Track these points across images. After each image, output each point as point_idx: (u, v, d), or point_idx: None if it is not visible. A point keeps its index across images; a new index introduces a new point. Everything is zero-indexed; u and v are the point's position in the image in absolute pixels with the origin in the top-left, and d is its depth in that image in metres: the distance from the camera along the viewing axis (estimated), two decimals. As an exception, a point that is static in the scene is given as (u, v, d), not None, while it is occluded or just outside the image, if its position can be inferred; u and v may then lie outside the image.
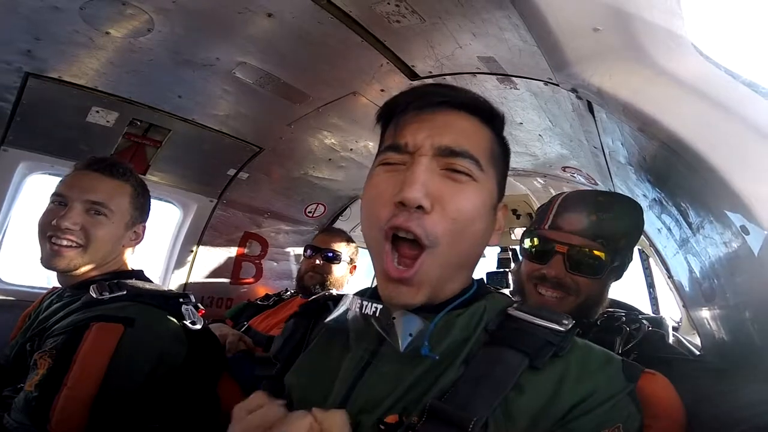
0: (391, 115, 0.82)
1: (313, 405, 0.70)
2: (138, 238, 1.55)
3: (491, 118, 0.82)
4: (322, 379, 0.78)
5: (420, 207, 0.70)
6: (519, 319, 0.76)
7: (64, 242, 1.36)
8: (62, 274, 1.44)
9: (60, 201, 1.40)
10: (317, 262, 2.52)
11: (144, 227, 1.57)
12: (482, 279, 0.87)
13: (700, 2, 0.80)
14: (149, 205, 1.62)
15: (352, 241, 2.71)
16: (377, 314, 0.75)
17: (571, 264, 1.23)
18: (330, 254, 2.53)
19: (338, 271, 2.55)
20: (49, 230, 1.36)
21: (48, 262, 1.37)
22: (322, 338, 0.90)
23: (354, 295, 0.82)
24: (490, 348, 0.72)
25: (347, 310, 0.79)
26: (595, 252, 1.22)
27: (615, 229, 1.25)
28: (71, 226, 1.36)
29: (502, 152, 0.84)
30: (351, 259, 2.63)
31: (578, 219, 1.26)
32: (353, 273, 2.66)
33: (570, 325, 0.74)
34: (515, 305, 0.81)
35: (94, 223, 1.40)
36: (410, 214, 0.71)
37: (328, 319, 0.83)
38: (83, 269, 1.42)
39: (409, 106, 0.78)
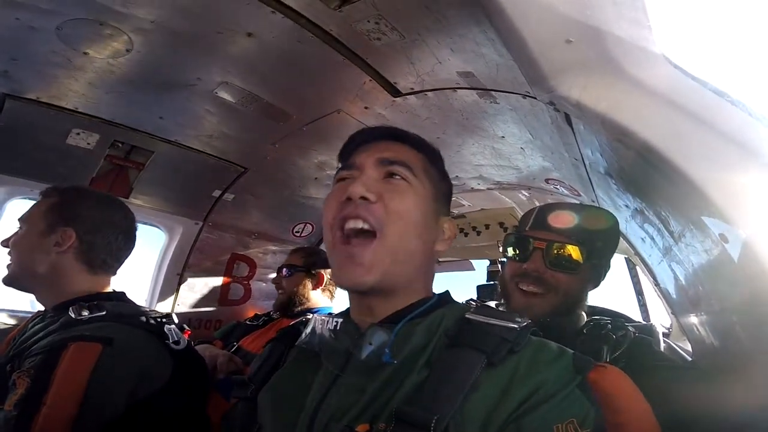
0: (342, 155, 0.98)
1: (285, 420, 0.81)
2: (66, 242, 1.45)
3: (422, 147, 0.97)
4: (295, 396, 0.84)
5: (364, 198, 0.82)
6: (476, 321, 0.81)
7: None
8: (35, 296, 1.49)
9: None
10: (276, 280, 2.63)
11: (72, 231, 1.46)
12: (446, 292, 0.95)
13: (668, 12, 0.82)
14: (87, 209, 1.52)
15: (316, 255, 2.66)
16: (338, 327, 0.87)
17: (549, 260, 1.31)
18: (287, 270, 2.58)
19: (294, 282, 2.53)
20: None
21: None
22: (295, 360, 0.97)
23: (317, 315, 0.95)
24: (451, 350, 0.77)
25: (314, 330, 0.90)
26: (572, 247, 1.31)
27: (590, 229, 1.34)
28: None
29: (438, 174, 0.97)
30: (307, 269, 2.57)
31: (556, 220, 1.36)
32: (321, 284, 2.59)
33: (524, 323, 0.79)
34: (472, 310, 0.86)
35: (15, 238, 1.48)
36: (356, 205, 0.82)
37: (298, 341, 0.94)
38: (28, 284, 1.49)
39: (358, 139, 0.96)
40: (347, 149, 0.97)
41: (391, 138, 0.95)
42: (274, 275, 3.23)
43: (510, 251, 1.41)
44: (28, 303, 2.24)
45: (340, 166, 0.97)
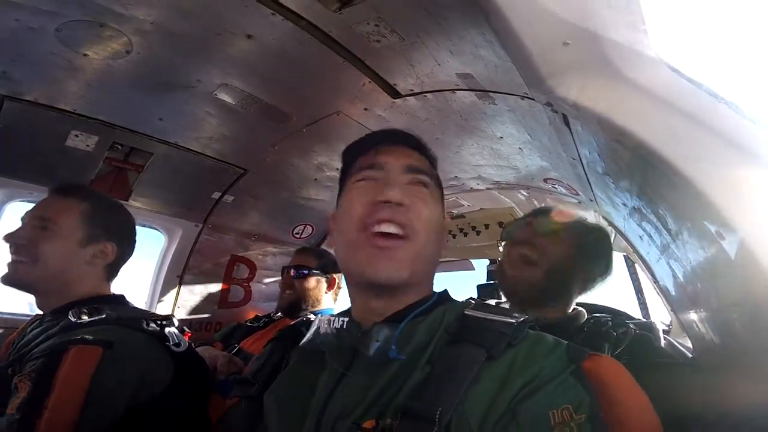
0: (357, 151, 1.00)
1: (291, 421, 0.81)
2: (106, 257, 1.49)
3: (430, 155, 1.03)
4: (301, 396, 0.86)
5: (400, 204, 0.85)
6: (475, 317, 0.83)
7: (15, 257, 1.39)
8: (38, 299, 1.45)
9: (22, 223, 1.46)
10: (287, 281, 2.57)
11: (113, 247, 1.51)
12: (445, 291, 0.97)
13: (664, 15, 0.83)
14: (123, 225, 1.59)
15: (326, 257, 2.68)
16: (344, 326, 0.88)
17: (537, 229, 1.50)
18: (301, 271, 2.55)
19: (308, 284, 2.52)
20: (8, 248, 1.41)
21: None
22: (299, 360, 0.99)
23: (321, 316, 0.96)
24: (452, 346, 0.79)
25: (318, 330, 0.92)
26: (556, 218, 1.51)
27: (578, 221, 1.53)
28: (16, 240, 1.40)
29: (438, 180, 1.01)
30: (323, 272, 2.60)
31: (544, 211, 1.60)
32: (333, 287, 2.62)
33: (521, 318, 0.80)
34: (471, 307, 0.88)
35: (40, 237, 1.41)
36: (393, 209, 0.85)
37: (302, 342, 0.94)
38: (42, 287, 1.43)
39: (381, 141, 0.99)
40: (366, 145, 0.99)
41: (410, 145, 1.00)
42: (273, 278, 3.24)
43: (506, 235, 1.59)
44: (27, 306, 2.24)
45: (357, 163, 0.98)
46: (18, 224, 1.46)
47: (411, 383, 0.75)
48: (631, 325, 1.35)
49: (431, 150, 1.04)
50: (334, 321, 0.90)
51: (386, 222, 0.84)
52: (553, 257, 1.43)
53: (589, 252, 1.49)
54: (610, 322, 1.36)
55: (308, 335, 0.94)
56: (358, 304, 0.93)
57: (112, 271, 1.55)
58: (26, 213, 1.47)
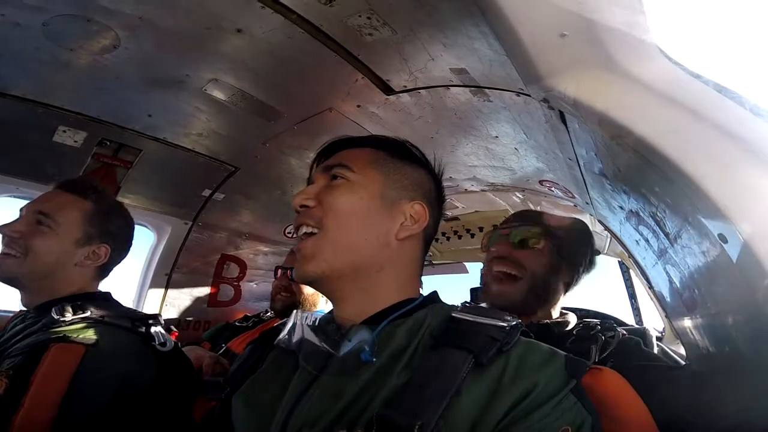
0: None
1: (256, 425, 0.78)
2: (98, 258, 1.47)
3: (374, 143, 1.00)
4: (270, 398, 0.81)
5: (305, 206, 0.90)
6: (463, 320, 0.79)
7: (5, 250, 1.36)
8: (24, 295, 1.42)
9: (19, 214, 1.42)
10: (284, 282, 2.51)
11: (107, 249, 1.48)
12: (434, 293, 0.94)
13: (664, 4, 0.79)
14: (121, 227, 1.56)
15: None
16: (317, 323, 0.89)
17: (514, 243, 1.49)
18: None
19: (307, 288, 2.47)
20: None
21: None
22: (273, 361, 0.94)
23: (299, 312, 0.93)
24: (436, 351, 0.74)
25: (293, 328, 0.89)
26: (532, 229, 1.50)
27: (553, 223, 1.52)
28: (9, 233, 1.35)
29: (400, 163, 0.97)
30: None
31: (521, 214, 1.64)
32: None
33: (513, 322, 0.77)
34: (459, 309, 0.84)
35: (35, 233, 1.37)
36: (302, 213, 0.91)
37: (278, 339, 0.90)
38: (29, 283, 1.39)
39: (318, 157, 1.04)
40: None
41: (342, 148, 1.01)
42: (264, 277, 3.20)
43: (487, 246, 1.58)
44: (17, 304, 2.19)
45: None
46: (5, 218, 1.43)
47: (387, 390, 0.70)
48: (621, 330, 1.35)
49: (380, 137, 1.04)
50: (308, 317, 0.89)
51: (300, 226, 0.89)
52: (534, 270, 1.43)
53: (576, 261, 1.52)
54: (599, 326, 1.35)
55: (284, 332, 0.90)
56: (332, 305, 0.92)
57: (103, 271, 1.53)
58: (25, 205, 1.43)
